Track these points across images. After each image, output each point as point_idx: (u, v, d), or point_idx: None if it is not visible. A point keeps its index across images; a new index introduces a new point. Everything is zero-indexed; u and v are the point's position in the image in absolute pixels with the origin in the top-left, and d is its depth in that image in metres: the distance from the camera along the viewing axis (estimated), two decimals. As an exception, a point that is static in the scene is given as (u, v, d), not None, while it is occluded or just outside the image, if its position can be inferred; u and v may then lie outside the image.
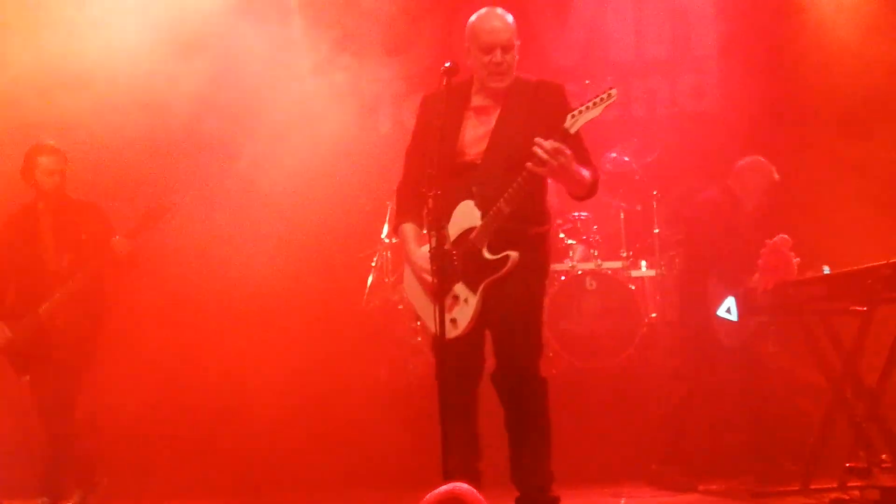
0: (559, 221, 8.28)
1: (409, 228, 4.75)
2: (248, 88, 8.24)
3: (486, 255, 4.48)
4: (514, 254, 4.47)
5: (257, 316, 7.88)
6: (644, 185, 8.56)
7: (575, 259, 8.29)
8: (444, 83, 4.38)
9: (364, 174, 8.32)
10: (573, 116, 4.30)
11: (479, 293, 4.46)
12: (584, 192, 4.61)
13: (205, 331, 7.80)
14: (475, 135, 4.57)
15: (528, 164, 4.25)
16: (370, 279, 8.42)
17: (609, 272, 8.12)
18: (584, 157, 4.54)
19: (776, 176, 6.75)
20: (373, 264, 8.51)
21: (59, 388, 6.43)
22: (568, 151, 4.25)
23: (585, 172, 4.50)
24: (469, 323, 4.50)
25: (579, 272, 8.09)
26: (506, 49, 4.55)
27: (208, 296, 7.85)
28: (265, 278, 7.84)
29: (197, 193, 7.18)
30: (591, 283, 8.02)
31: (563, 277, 8.07)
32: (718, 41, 9.06)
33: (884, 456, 5.41)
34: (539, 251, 4.65)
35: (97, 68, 7.44)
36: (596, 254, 8.27)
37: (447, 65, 4.45)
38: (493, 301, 4.50)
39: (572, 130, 4.31)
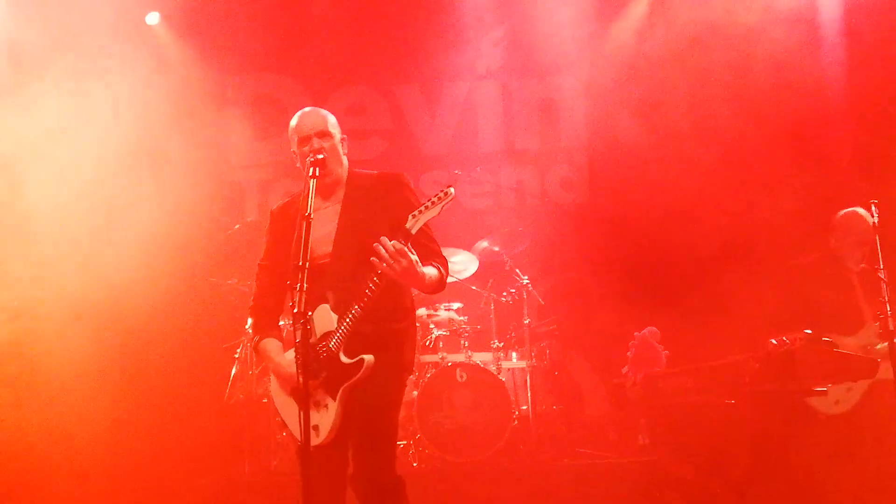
0: (428, 312, 8.14)
1: (269, 344, 4.62)
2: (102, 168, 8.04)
3: (343, 359, 4.37)
4: (368, 357, 4.36)
5: (115, 405, 7.60)
6: (514, 274, 8.33)
7: (444, 350, 8.04)
8: (305, 183, 4.26)
9: (228, 263, 8.09)
10: (413, 217, 4.22)
11: (338, 399, 4.36)
12: (431, 290, 4.50)
13: (57, 426, 7.41)
14: (320, 235, 4.44)
15: (374, 261, 4.16)
16: (233, 371, 8.02)
17: (479, 364, 7.86)
18: (430, 252, 4.47)
19: (872, 222, 6.03)
20: (236, 356, 8.06)
21: None
22: (411, 254, 4.17)
23: (432, 270, 4.41)
24: (331, 430, 4.39)
25: (449, 364, 7.82)
26: (322, 136, 4.49)
27: (65, 381, 7.52)
28: (126, 369, 7.68)
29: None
30: (461, 375, 7.76)
31: (433, 370, 7.85)
32: (587, 133, 9.16)
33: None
34: (399, 348, 4.55)
35: None
36: (466, 345, 8.02)
37: (319, 157, 4.39)
38: (351, 406, 4.40)
39: (413, 230, 4.23)
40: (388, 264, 4.12)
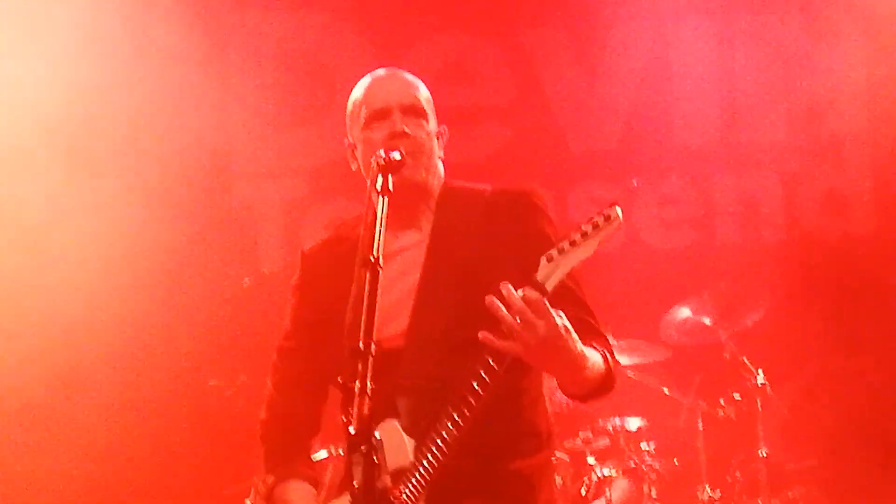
0: (584, 435, 6.75)
1: (293, 492, 3.71)
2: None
3: None
4: None
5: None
6: (741, 368, 6.82)
7: (613, 503, 6.64)
8: (369, 202, 3.38)
9: (234, 348, 7.02)
10: (550, 259, 3.36)
11: None
12: (588, 389, 3.50)
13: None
14: (391, 296, 3.48)
15: (483, 335, 3.27)
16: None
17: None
18: (582, 325, 3.52)
19: None
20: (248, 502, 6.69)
21: None
22: (558, 315, 3.22)
23: (593, 354, 3.47)
24: None
25: None
26: (409, 112, 3.61)
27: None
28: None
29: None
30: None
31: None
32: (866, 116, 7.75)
33: None
34: (526, 499, 3.66)
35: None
36: (654, 495, 6.64)
37: (395, 157, 3.39)
38: None
39: (550, 284, 3.34)
40: (510, 331, 3.25)
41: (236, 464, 6.59)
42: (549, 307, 3.30)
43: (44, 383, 7.05)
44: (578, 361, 3.41)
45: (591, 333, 3.59)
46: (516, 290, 3.32)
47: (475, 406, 3.44)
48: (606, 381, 3.57)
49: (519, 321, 3.26)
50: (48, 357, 7.04)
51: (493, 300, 3.26)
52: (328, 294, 3.75)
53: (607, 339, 3.68)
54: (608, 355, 3.59)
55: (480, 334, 3.33)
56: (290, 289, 3.95)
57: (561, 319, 3.30)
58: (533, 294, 3.28)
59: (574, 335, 3.36)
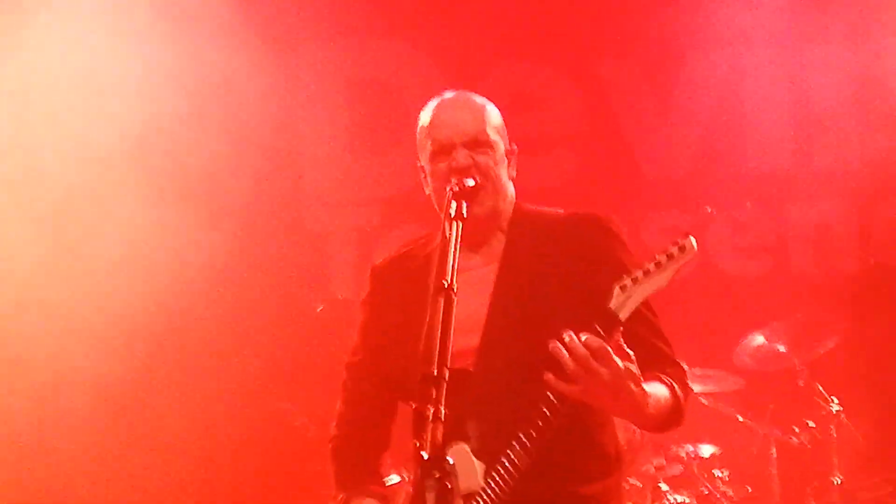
0: (657, 462, 6.61)
1: None
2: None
3: None
4: None
5: None
6: (816, 395, 6.82)
7: None
8: (442, 228, 3.40)
9: (305, 375, 7.04)
10: (624, 289, 3.39)
11: None
12: (657, 426, 3.57)
13: None
14: (461, 318, 3.31)
15: (547, 377, 3.31)
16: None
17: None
18: (657, 354, 3.61)
19: None
20: None
21: None
22: (623, 360, 3.24)
23: (661, 390, 3.48)
24: None
25: None
26: (476, 146, 3.61)
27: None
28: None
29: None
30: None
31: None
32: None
33: None
34: None
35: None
36: None
37: (469, 183, 3.53)
38: None
39: (623, 313, 3.38)
40: (573, 376, 3.26)
41: (305, 490, 6.64)
42: (606, 349, 3.31)
43: (116, 402, 7.07)
44: (640, 403, 3.40)
45: (663, 362, 3.60)
46: (590, 321, 3.37)
47: (544, 431, 3.44)
48: (673, 415, 3.56)
49: (579, 369, 3.27)
50: (121, 378, 7.06)
51: (556, 346, 3.29)
52: (397, 310, 3.74)
53: (681, 367, 3.66)
54: (677, 387, 3.58)
55: (545, 376, 3.35)
56: (360, 304, 3.95)
57: (624, 363, 3.30)
58: (595, 342, 3.29)
59: (637, 376, 3.37)
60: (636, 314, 3.48)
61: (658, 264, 3.38)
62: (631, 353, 3.31)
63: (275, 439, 7.13)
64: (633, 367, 3.28)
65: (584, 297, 3.54)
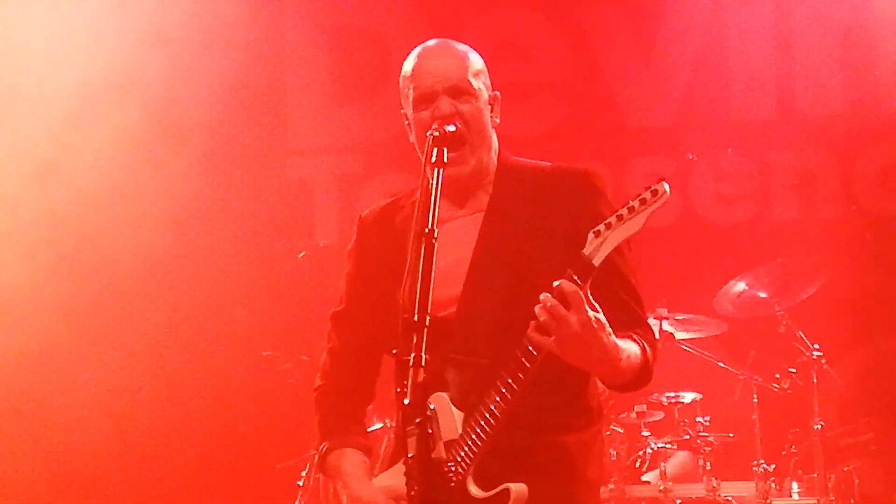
0: (638, 408, 6.75)
1: (346, 459, 3.72)
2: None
3: (473, 490, 3.52)
4: (517, 487, 3.51)
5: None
6: (796, 341, 6.79)
7: (668, 475, 6.63)
8: (424, 176, 3.36)
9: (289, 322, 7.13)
10: (597, 234, 3.36)
11: None
12: (622, 381, 3.53)
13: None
14: (445, 266, 3.43)
15: (530, 333, 3.33)
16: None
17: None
18: (625, 310, 3.61)
19: None
20: (300, 483, 6.76)
21: None
22: (593, 309, 3.27)
23: (631, 347, 3.47)
24: None
25: (678, 503, 6.58)
26: (457, 93, 3.61)
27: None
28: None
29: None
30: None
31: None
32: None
33: None
34: (573, 475, 3.66)
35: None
36: (709, 467, 6.60)
37: (450, 129, 3.47)
38: None
39: (597, 259, 3.33)
40: (545, 327, 3.29)
41: (290, 437, 6.83)
42: (585, 299, 3.33)
43: (101, 349, 7.15)
44: (612, 356, 3.42)
45: (633, 321, 3.62)
46: (565, 268, 3.38)
47: (522, 381, 3.45)
48: (642, 374, 3.57)
49: (550, 317, 3.30)
50: (105, 321, 7.17)
51: (545, 297, 3.33)
52: (383, 261, 3.75)
53: (650, 328, 3.70)
54: (647, 346, 3.59)
55: (529, 333, 3.39)
56: (346, 254, 3.95)
57: (595, 313, 3.32)
58: (569, 286, 3.30)
59: (608, 329, 3.38)
60: (612, 269, 3.50)
61: (631, 209, 3.36)
62: (597, 306, 3.34)
63: (260, 385, 7.15)
64: (601, 317, 3.31)
65: (564, 248, 3.52)
